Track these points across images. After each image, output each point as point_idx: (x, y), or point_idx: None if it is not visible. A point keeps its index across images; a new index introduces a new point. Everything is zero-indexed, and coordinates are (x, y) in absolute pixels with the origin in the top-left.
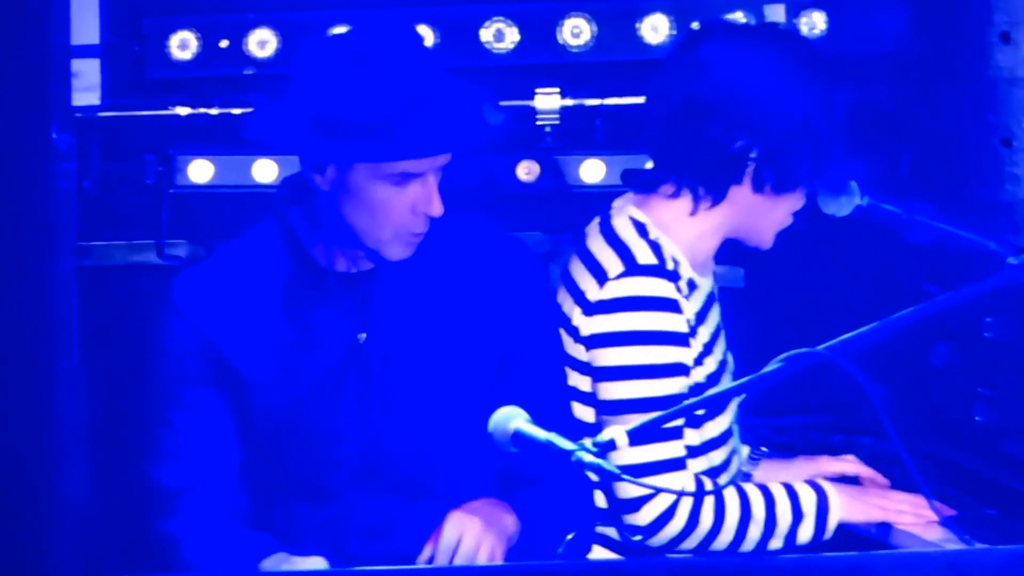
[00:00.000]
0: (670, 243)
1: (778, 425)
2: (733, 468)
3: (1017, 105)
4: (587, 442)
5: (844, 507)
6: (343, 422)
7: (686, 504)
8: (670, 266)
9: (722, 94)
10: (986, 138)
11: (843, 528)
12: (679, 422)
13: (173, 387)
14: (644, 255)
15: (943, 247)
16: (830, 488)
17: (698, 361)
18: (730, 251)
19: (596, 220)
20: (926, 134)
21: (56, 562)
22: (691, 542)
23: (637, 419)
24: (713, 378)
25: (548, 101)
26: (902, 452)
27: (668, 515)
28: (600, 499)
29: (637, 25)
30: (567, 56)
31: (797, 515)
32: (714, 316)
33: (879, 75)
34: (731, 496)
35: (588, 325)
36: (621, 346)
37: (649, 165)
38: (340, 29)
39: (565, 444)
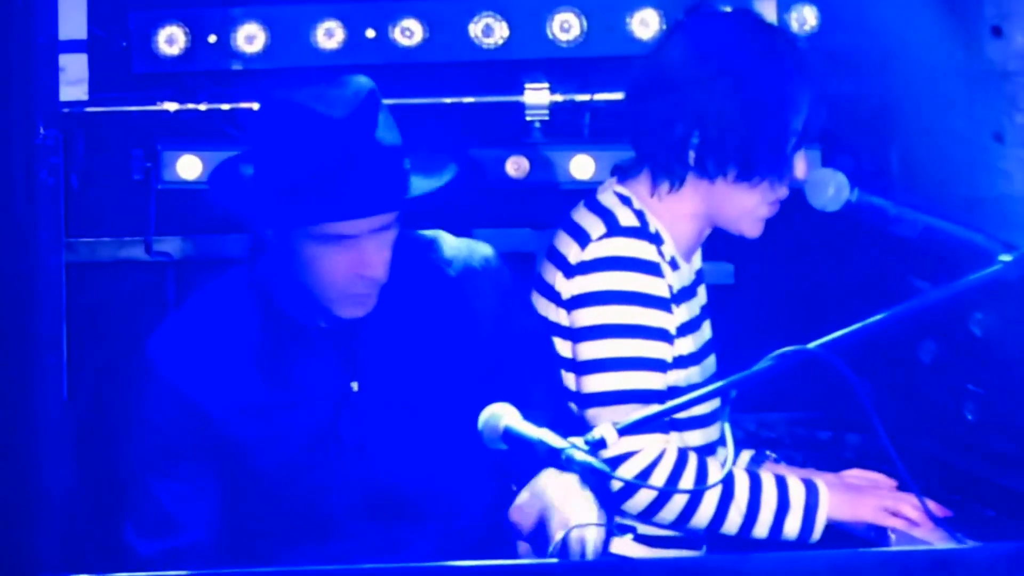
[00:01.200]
0: (655, 220)
1: (767, 421)
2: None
3: (1008, 99)
4: (578, 440)
5: (835, 505)
6: (342, 470)
7: (664, 466)
8: (652, 230)
9: (666, 79)
10: (976, 133)
11: (836, 526)
12: (657, 382)
13: (154, 456)
14: (627, 219)
15: (932, 243)
16: (822, 485)
17: (677, 335)
18: (719, 247)
19: (581, 201)
20: (916, 129)
21: (39, 558)
22: (667, 512)
23: (618, 379)
24: (685, 361)
25: (537, 96)
26: (890, 449)
27: (644, 476)
28: None
29: (627, 20)
30: (556, 51)
31: (783, 505)
32: (696, 303)
33: (869, 69)
34: (715, 471)
35: (569, 287)
36: (601, 305)
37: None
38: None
39: (556, 442)
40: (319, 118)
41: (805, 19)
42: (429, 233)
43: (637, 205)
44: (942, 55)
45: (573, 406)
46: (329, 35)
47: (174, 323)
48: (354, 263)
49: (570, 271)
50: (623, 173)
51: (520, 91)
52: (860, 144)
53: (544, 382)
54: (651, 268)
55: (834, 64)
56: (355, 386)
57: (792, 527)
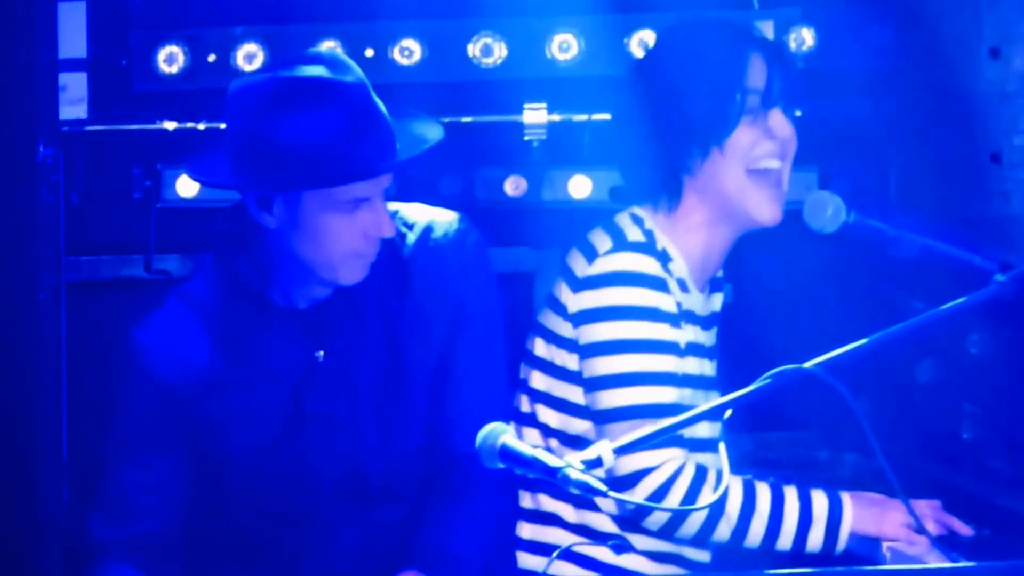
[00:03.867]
0: (666, 239)
1: (764, 441)
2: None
3: (1006, 120)
4: (575, 458)
5: (859, 519)
6: (314, 444)
7: (683, 481)
8: (659, 247)
9: (643, 93)
10: (975, 154)
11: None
12: (669, 396)
13: (127, 443)
14: (634, 234)
15: (930, 263)
16: (846, 498)
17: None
18: None
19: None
20: (914, 150)
21: (38, 569)
22: (689, 526)
23: (632, 395)
24: (694, 381)
25: (536, 116)
26: (887, 469)
27: (664, 491)
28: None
29: (625, 40)
30: (555, 71)
31: (806, 517)
32: (706, 335)
33: (867, 90)
34: (735, 485)
35: (575, 301)
36: (610, 320)
37: None
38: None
39: (552, 460)
40: (335, 85)
41: (803, 40)
42: (390, 205)
43: (648, 225)
44: (940, 76)
45: (576, 421)
46: None
47: (154, 315)
48: (370, 224)
49: (577, 285)
50: (627, 198)
51: (519, 111)
52: (858, 165)
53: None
54: (656, 283)
55: (832, 85)
56: (321, 355)
57: (816, 539)
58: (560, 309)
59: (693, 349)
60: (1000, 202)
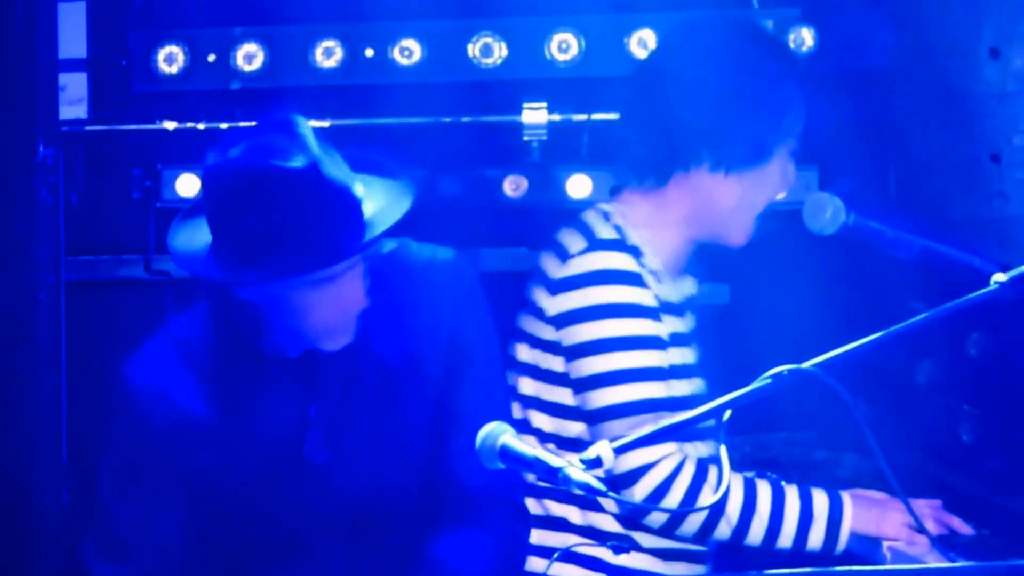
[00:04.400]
0: (635, 232)
1: (762, 442)
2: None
3: (1006, 121)
4: (574, 458)
5: (860, 518)
6: (306, 492)
7: (684, 478)
8: (631, 243)
9: (652, 84)
10: (974, 154)
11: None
12: (661, 390)
13: (119, 479)
14: (605, 232)
15: (929, 263)
16: (846, 497)
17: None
18: (715, 268)
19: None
20: (914, 150)
21: (37, 573)
22: (689, 524)
23: (624, 392)
24: (682, 371)
25: (535, 116)
26: (887, 469)
27: (664, 488)
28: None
29: (625, 40)
30: (555, 71)
31: (807, 516)
32: (685, 323)
33: (867, 91)
34: (736, 483)
35: (554, 304)
36: (595, 320)
37: None
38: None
39: (552, 460)
40: (270, 171)
41: (803, 40)
42: (391, 243)
43: (617, 220)
44: (940, 77)
45: (570, 424)
46: (328, 54)
47: (146, 350)
48: (333, 301)
49: (553, 287)
50: (613, 193)
51: (518, 111)
52: (857, 166)
53: (504, 408)
54: (633, 279)
55: (831, 85)
56: (313, 409)
57: (816, 538)
58: (538, 313)
59: (674, 339)
60: (999, 202)
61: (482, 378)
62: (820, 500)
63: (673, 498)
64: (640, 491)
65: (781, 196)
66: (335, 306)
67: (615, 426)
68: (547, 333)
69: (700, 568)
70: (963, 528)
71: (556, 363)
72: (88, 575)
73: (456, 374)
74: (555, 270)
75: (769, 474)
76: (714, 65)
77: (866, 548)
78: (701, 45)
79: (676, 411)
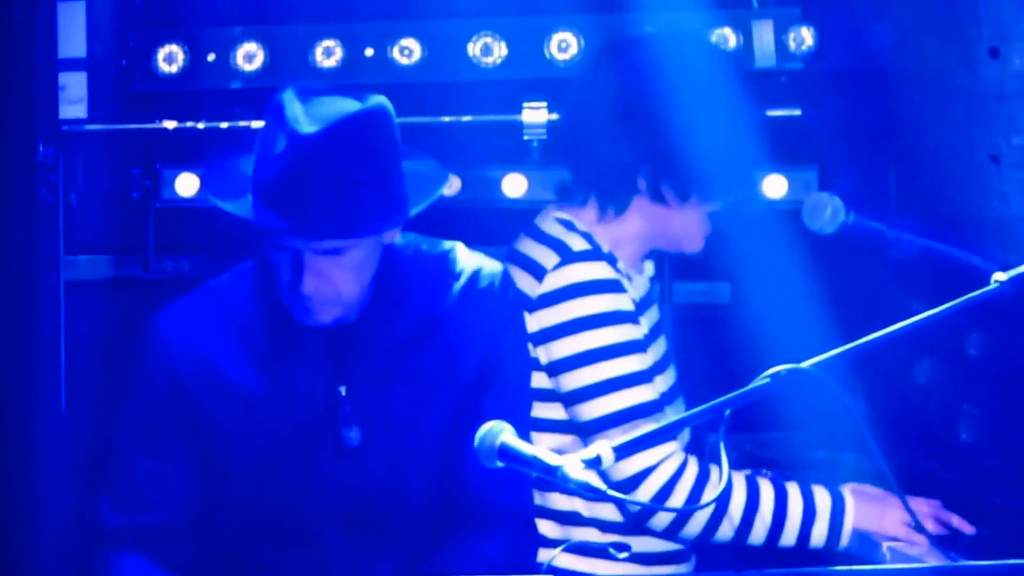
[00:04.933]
0: (603, 238)
1: (762, 441)
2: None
3: (1005, 121)
4: (574, 458)
5: (861, 514)
6: (323, 472)
7: (687, 479)
8: (605, 250)
9: (612, 106)
10: (974, 154)
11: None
12: (652, 394)
13: (140, 431)
14: (577, 243)
15: (929, 263)
16: (847, 493)
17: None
18: (715, 266)
19: (522, 232)
20: (913, 150)
21: (35, 572)
22: (692, 526)
23: (617, 400)
24: (653, 370)
25: (535, 115)
26: (886, 469)
27: (668, 490)
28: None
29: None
30: (554, 71)
31: (809, 512)
32: (652, 315)
33: (867, 90)
34: (738, 482)
35: (534, 321)
36: (574, 334)
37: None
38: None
39: (551, 460)
40: (286, 129)
41: (803, 39)
42: (446, 244)
43: (582, 227)
44: (939, 76)
45: (561, 437)
46: (328, 54)
47: (183, 303)
48: (296, 273)
49: (532, 305)
50: (564, 198)
51: (518, 110)
52: (857, 166)
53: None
54: (613, 286)
55: (831, 85)
56: (343, 390)
57: (819, 534)
58: None
59: (654, 333)
60: (999, 202)
61: (510, 392)
62: (822, 497)
63: (677, 499)
64: (644, 495)
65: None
66: (302, 280)
67: (610, 436)
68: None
69: (683, 568)
70: (964, 527)
71: (539, 379)
72: (102, 525)
73: (486, 383)
74: (531, 287)
75: (765, 471)
76: (685, 108)
77: (865, 548)
78: (665, 83)
79: (661, 407)
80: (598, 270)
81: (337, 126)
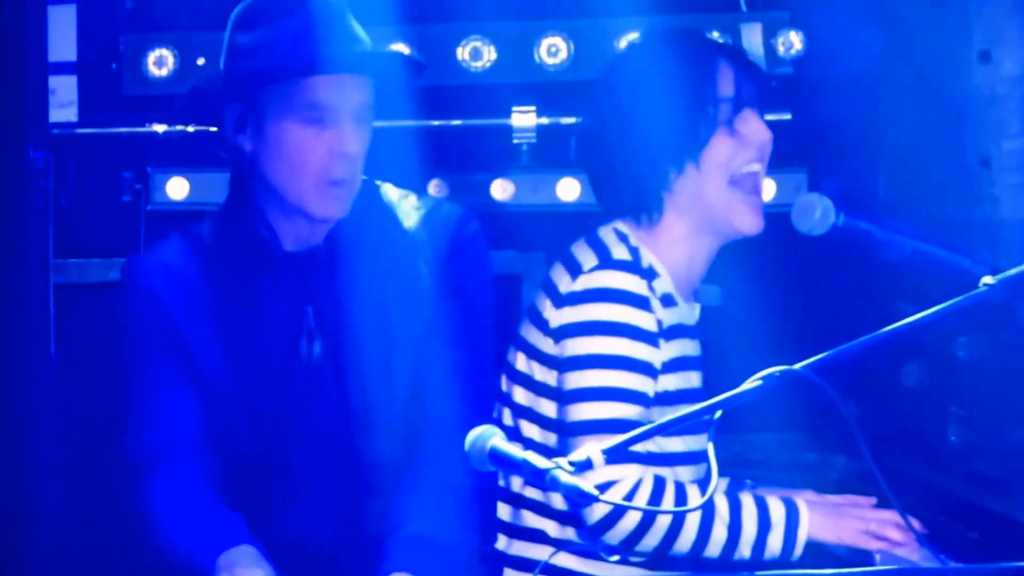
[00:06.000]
0: (651, 255)
1: (752, 443)
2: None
3: (995, 124)
4: (563, 461)
5: (815, 524)
6: (291, 392)
7: (643, 494)
8: (645, 265)
9: (636, 110)
10: (964, 157)
11: (818, 546)
12: (636, 414)
13: (140, 361)
14: (620, 252)
15: (919, 266)
16: (802, 503)
17: (661, 371)
18: (708, 269)
19: (582, 236)
20: (904, 153)
21: (30, 572)
22: (650, 539)
23: (601, 409)
24: (670, 398)
25: (524, 119)
26: (876, 471)
27: (622, 507)
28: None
29: (614, 44)
30: (544, 75)
31: (764, 523)
32: (685, 346)
33: (856, 94)
34: (694, 496)
35: (557, 317)
36: (588, 335)
37: None
38: None
39: (541, 463)
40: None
41: (792, 43)
42: (400, 189)
43: (633, 242)
44: (930, 80)
45: (544, 432)
46: None
47: (157, 246)
48: (336, 141)
49: (559, 301)
50: (608, 211)
51: (508, 114)
52: (847, 168)
53: (482, 365)
54: (639, 301)
55: (821, 89)
56: (309, 311)
57: (775, 544)
58: (542, 324)
59: (680, 363)
60: (989, 206)
61: (470, 315)
62: (776, 507)
63: (632, 516)
64: (599, 510)
65: (765, 149)
66: (343, 147)
67: (583, 442)
68: (546, 345)
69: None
70: (919, 527)
71: (551, 376)
72: (131, 451)
73: (447, 306)
74: (564, 284)
75: (747, 481)
76: (648, 78)
77: (855, 550)
78: (638, 65)
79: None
80: (629, 281)
81: None
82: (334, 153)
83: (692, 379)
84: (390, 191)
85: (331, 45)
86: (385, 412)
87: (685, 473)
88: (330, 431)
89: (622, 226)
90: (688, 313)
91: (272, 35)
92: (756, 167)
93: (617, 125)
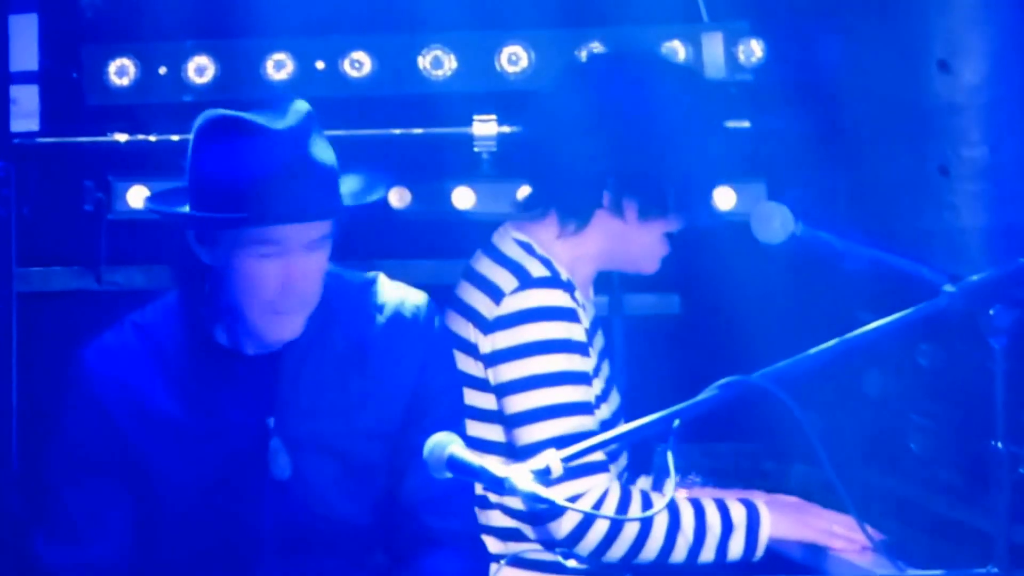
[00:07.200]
0: (560, 264)
1: (711, 451)
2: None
3: (955, 133)
4: (522, 469)
5: (776, 523)
6: (255, 504)
7: (610, 505)
8: (564, 278)
9: (578, 121)
10: (923, 166)
11: (774, 553)
12: (591, 425)
13: (70, 466)
14: (537, 269)
15: (879, 274)
16: (761, 504)
17: (594, 373)
18: (665, 277)
19: (479, 250)
20: (863, 162)
21: None
22: (618, 547)
23: (555, 427)
24: (599, 399)
25: (485, 128)
26: (836, 480)
27: (590, 519)
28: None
29: (575, 53)
30: (505, 83)
31: (727, 526)
32: (599, 341)
33: (816, 103)
34: (658, 502)
35: (488, 342)
36: (524, 358)
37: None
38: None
39: (499, 471)
40: (258, 129)
41: (752, 52)
42: (368, 275)
43: (540, 252)
44: (889, 89)
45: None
46: (279, 67)
47: (107, 337)
48: (285, 275)
49: (487, 327)
50: (524, 210)
51: (468, 123)
52: (807, 178)
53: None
54: (569, 315)
55: (780, 97)
56: (271, 422)
57: (736, 547)
58: (470, 349)
59: (600, 359)
60: (949, 214)
61: (443, 420)
62: (737, 509)
63: (600, 525)
64: (568, 522)
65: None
66: (292, 280)
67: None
68: (476, 370)
69: None
70: (874, 534)
71: (486, 400)
72: (38, 560)
73: (418, 415)
74: (486, 308)
75: (691, 477)
76: (651, 123)
77: (812, 557)
78: (632, 99)
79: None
80: (556, 297)
81: (304, 121)
82: (283, 285)
83: (605, 372)
84: (348, 285)
85: (285, 194)
86: (349, 515)
87: (617, 465)
88: (288, 534)
89: (522, 235)
90: (592, 309)
91: (229, 173)
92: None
93: (567, 136)
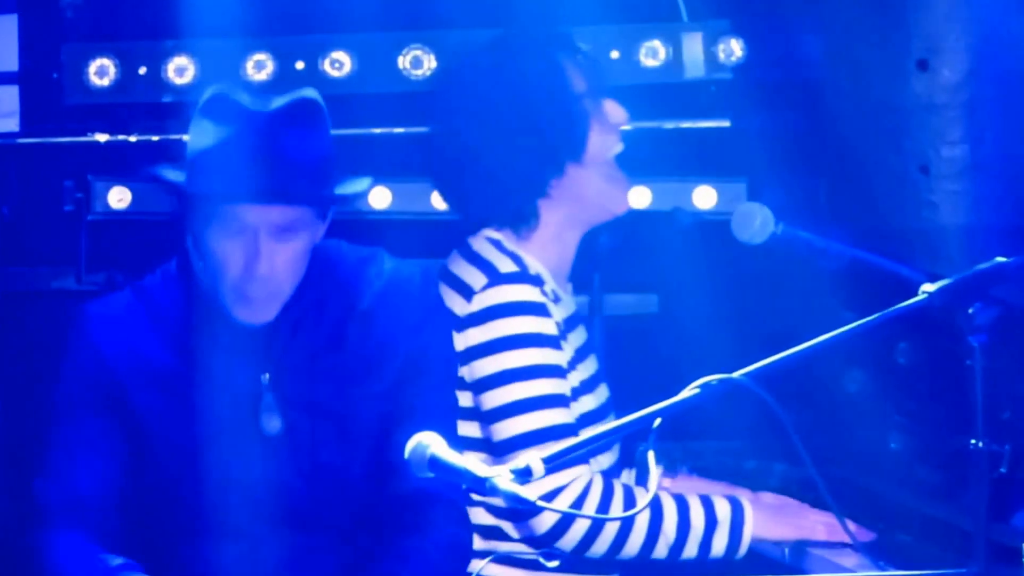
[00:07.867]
0: (530, 258)
1: (692, 450)
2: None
3: (934, 132)
4: (503, 469)
5: (759, 521)
6: (246, 461)
7: (592, 499)
8: (533, 272)
9: (502, 115)
10: (903, 165)
11: (756, 553)
12: (567, 417)
13: (69, 408)
14: (505, 265)
15: (858, 273)
16: (745, 501)
17: (569, 367)
18: (644, 277)
19: (454, 250)
20: (843, 161)
21: None
22: (600, 544)
23: (530, 421)
24: (578, 391)
25: None
26: (817, 478)
27: (575, 509)
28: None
29: None
30: None
31: (711, 522)
32: (580, 335)
33: (796, 102)
34: (641, 497)
35: (462, 340)
36: (497, 353)
37: None
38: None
39: (481, 471)
40: (236, 109)
41: (732, 51)
42: (365, 250)
43: (510, 247)
44: (869, 88)
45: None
46: (259, 67)
47: (110, 299)
48: (248, 258)
49: (460, 324)
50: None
51: None
52: (788, 177)
53: (453, 422)
54: (539, 309)
55: (760, 96)
56: (266, 377)
57: (720, 544)
58: None
59: (582, 352)
60: (928, 213)
61: (436, 387)
62: (722, 506)
63: (580, 522)
64: (550, 517)
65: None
66: (255, 265)
67: (522, 455)
68: None
69: None
70: (863, 535)
71: (464, 398)
72: (36, 501)
73: (412, 380)
74: (459, 307)
75: (681, 468)
76: (504, 90)
77: (793, 557)
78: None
79: (575, 431)
80: (524, 292)
81: (292, 108)
82: (246, 268)
83: (591, 366)
84: (348, 255)
85: (243, 174)
86: (338, 481)
87: (605, 459)
88: (277, 496)
89: (493, 233)
90: (571, 302)
91: (199, 146)
92: (620, 147)
93: (478, 137)
